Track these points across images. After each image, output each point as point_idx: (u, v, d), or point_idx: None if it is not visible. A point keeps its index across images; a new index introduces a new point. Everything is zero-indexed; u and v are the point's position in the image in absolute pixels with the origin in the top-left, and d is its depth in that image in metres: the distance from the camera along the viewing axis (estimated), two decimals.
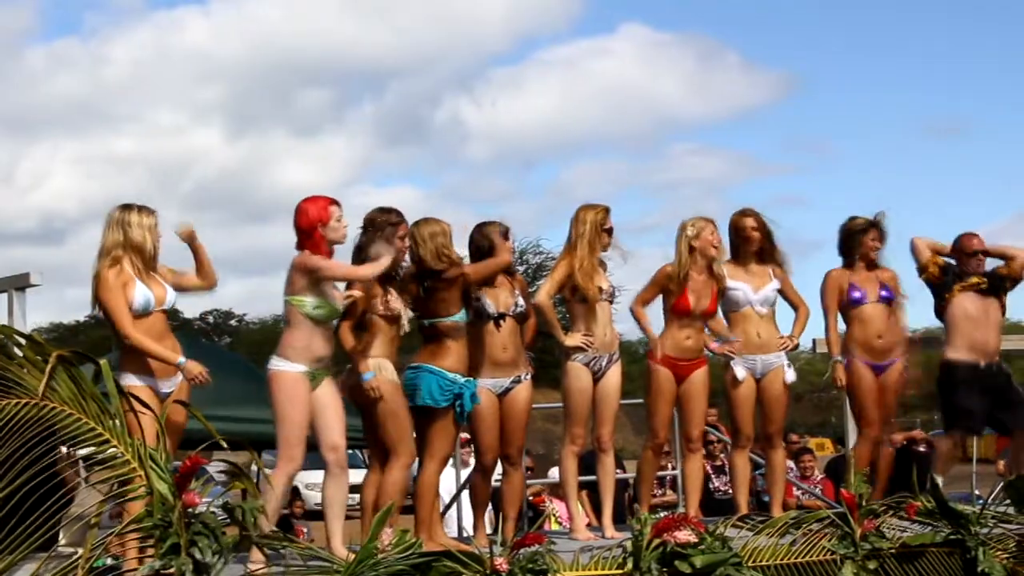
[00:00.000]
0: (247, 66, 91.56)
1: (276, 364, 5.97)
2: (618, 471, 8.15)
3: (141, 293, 5.99)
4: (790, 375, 7.52)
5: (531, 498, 9.95)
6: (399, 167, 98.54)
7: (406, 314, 6.36)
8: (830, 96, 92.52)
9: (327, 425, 6.00)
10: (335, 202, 6.11)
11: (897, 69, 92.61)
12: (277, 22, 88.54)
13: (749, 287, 7.48)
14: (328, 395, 6.03)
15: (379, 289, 6.28)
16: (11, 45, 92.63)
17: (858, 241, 7.71)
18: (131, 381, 5.83)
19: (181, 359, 5.97)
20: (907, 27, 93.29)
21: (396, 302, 6.32)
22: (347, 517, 6.10)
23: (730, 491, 10.43)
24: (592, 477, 7.49)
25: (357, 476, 6.22)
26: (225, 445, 5.49)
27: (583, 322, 7.03)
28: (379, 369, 6.26)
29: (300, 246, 6.06)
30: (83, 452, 5.04)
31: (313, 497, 22.78)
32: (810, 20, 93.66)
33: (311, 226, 6.00)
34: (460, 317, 6.47)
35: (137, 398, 5.12)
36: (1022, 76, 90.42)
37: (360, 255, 6.29)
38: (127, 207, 6.10)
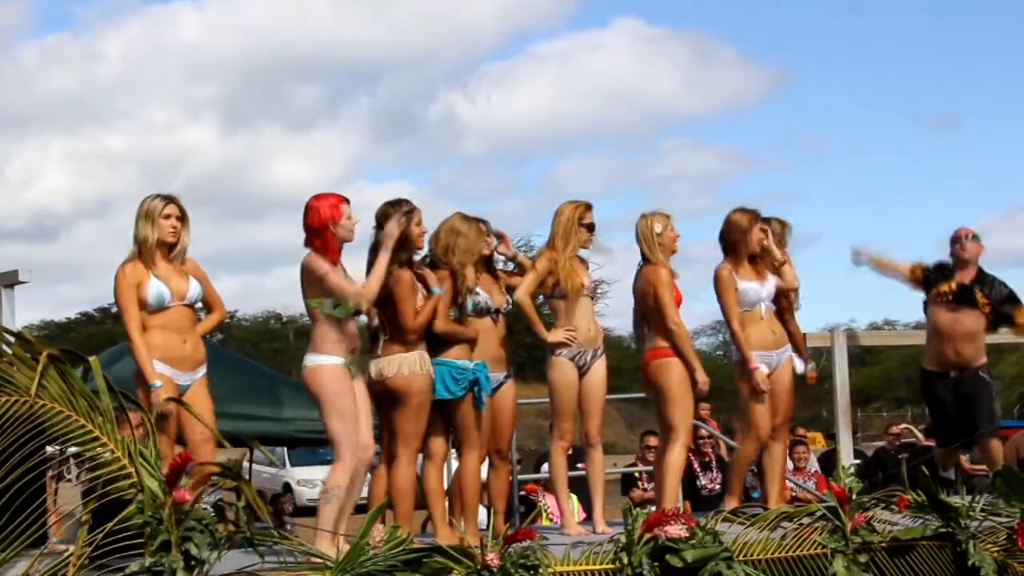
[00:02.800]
0: (240, 62, 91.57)
1: (316, 360, 5.87)
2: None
3: (155, 288, 6.03)
4: (799, 365, 7.57)
5: (523, 492, 9.96)
6: (393, 163, 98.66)
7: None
8: (823, 91, 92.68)
9: (362, 423, 5.98)
10: (345, 200, 6.03)
11: (890, 63, 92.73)
12: (270, 17, 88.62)
13: (758, 284, 7.49)
14: (361, 392, 6.03)
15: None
16: (3, 41, 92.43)
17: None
18: (158, 366, 5.96)
19: (156, 382, 5.92)
20: (901, 21, 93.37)
21: (422, 297, 6.36)
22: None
23: (716, 488, 10.49)
24: (579, 472, 7.51)
25: None
26: (226, 444, 5.53)
27: (565, 318, 7.04)
28: (421, 363, 6.29)
29: (309, 244, 5.96)
30: (72, 450, 5.03)
31: (305, 493, 22.77)
32: (804, 14, 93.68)
33: (323, 225, 5.90)
34: (454, 313, 6.50)
35: (127, 396, 5.12)
36: (1015, 70, 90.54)
37: (375, 254, 6.26)
38: (146, 198, 6.14)
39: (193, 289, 6.16)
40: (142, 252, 6.08)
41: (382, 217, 6.32)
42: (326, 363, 5.86)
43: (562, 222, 7.03)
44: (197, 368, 6.16)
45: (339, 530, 5.81)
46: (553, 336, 6.98)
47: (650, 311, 7.11)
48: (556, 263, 6.98)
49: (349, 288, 5.91)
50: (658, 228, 7.13)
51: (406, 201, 6.38)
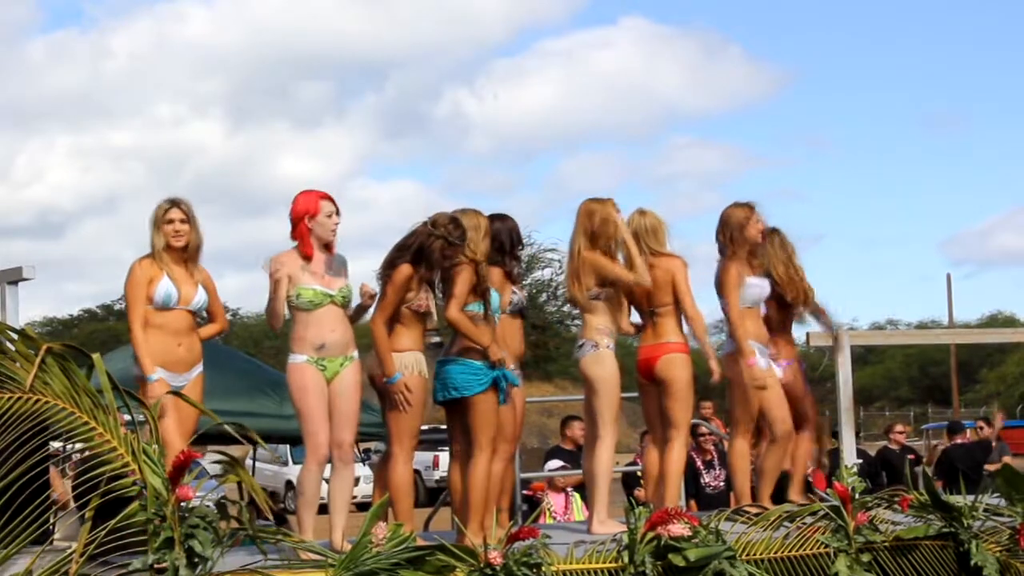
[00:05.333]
0: (247, 58, 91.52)
1: (289, 358, 6.07)
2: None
3: (164, 288, 6.08)
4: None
5: (528, 492, 9.96)
6: (400, 160, 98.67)
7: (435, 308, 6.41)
8: (829, 89, 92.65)
9: (336, 420, 6.04)
10: (328, 198, 6.13)
11: (897, 62, 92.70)
12: (277, 13, 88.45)
13: (762, 281, 7.49)
14: (345, 388, 6.07)
15: (417, 283, 6.31)
16: (11, 37, 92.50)
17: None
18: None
19: (152, 375, 5.96)
20: (908, 20, 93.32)
21: (427, 297, 6.35)
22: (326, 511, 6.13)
23: (720, 485, 10.48)
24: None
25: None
26: (239, 436, 5.59)
27: (609, 315, 6.98)
28: (415, 364, 6.30)
29: (292, 236, 6.15)
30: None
31: None
32: (811, 13, 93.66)
33: (299, 216, 6.10)
34: (475, 307, 6.45)
35: (130, 393, 5.12)
36: (1019, 68, 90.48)
37: (403, 251, 6.29)
38: (164, 201, 6.19)
39: (199, 297, 6.22)
40: (154, 256, 6.14)
41: (432, 223, 6.32)
42: (291, 361, 6.05)
43: (600, 221, 6.93)
44: (191, 369, 6.21)
45: (308, 525, 5.92)
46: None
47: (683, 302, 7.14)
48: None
49: (274, 301, 6.02)
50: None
51: (460, 227, 6.35)
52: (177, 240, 6.15)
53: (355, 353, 6.15)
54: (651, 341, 7.14)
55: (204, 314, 6.45)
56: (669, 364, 7.02)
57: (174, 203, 6.19)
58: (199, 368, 6.24)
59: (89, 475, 4.76)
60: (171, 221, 6.15)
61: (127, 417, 4.95)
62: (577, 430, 9.89)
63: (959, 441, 12.91)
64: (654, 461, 7.19)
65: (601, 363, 6.90)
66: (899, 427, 13.39)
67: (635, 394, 7.49)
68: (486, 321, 6.47)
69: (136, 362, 6.08)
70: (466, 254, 6.41)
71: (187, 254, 6.20)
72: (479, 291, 6.44)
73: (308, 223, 6.07)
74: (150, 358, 6.00)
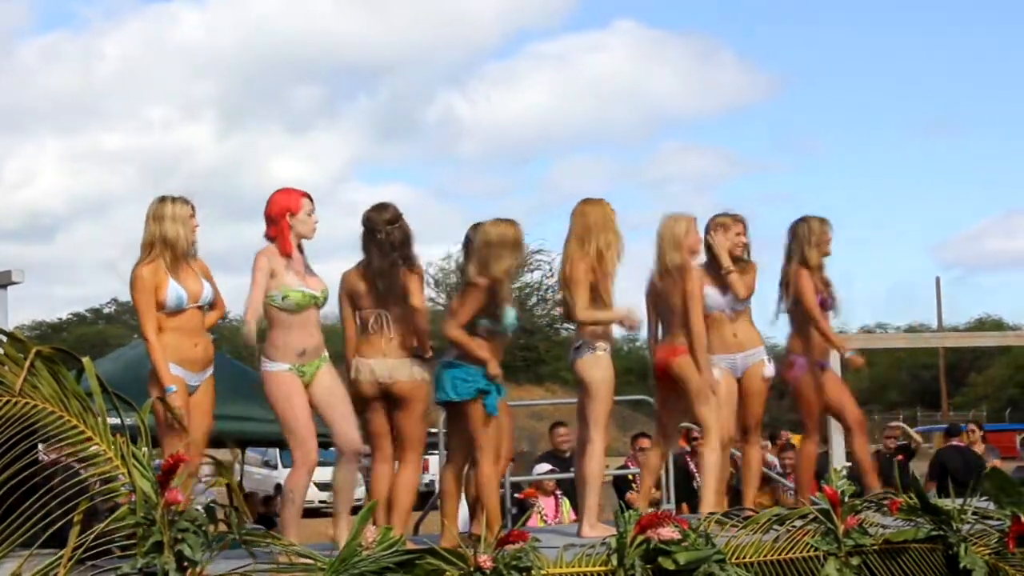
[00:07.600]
0: (240, 61, 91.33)
1: (264, 365, 6.04)
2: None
3: (173, 291, 6.04)
4: (769, 369, 7.57)
5: (519, 495, 9.97)
6: (391, 164, 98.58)
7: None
8: (822, 94, 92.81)
9: (339, 417, 6.04)
10: (308, 196, 6.15)
11: (889, 66, 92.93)
12: (271, 17, 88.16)
13: (716, 291, 7.52)
14: (332, 387, 6.07)
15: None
16: (2, 39, 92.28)
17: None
18: (171, 368, 5.99)
19: (172, 387, 5.92)
20: (900, 25, 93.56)
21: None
22: (324, 514, 6.12)
23: None
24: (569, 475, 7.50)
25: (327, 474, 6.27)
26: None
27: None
28: (421, 372, 6.30)
29: (267, 235, 6.11)
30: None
31: None
32: (803, 18, 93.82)
33: (280, 213, 6.06)
34: (485, 322, 6.47)
35: (120, 396, 5.10)
36: (1012, 72, 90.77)
37: (373, 258, 6.26)
38: (163, 199, 6.14)
39: (206, 291, 6.20)
40: (167, 253, 6.06)
41: (366, 227, 6.32)
42: (271, 369, 6.01)
43: (602, 223, 6.89)
44: (206, 368, 6.24)
45: (292, 531, 5.88)
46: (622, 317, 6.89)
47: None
48: (595, 267, 6.89)
49: (253, 294, 5.94)
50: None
51: (389, 209, 6.35)
52: (193, 238, 6.15)
53: (326, 353, 6.15)
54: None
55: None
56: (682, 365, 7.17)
57: (188, 201, 6.17)
58: (211, 368, 6.24)
59: (77, 479, 4.75)
60: (193, 216, 6.15)
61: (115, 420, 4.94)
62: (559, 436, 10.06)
63: (954, 443, 12.94)
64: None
65: (597, 366, 6.88)
66: (893, 423, 13.48)
67: (627, 397, 7.51)
68: (493, 338, 6.45)
69: (153, 370, 6.03)
70: (492, 275, 6.40)
71: (190, 252, 6.18)
72: (492, 312, 6.43)
73: (289, 220, 6.06)
74: (167, 368, 5.97)
